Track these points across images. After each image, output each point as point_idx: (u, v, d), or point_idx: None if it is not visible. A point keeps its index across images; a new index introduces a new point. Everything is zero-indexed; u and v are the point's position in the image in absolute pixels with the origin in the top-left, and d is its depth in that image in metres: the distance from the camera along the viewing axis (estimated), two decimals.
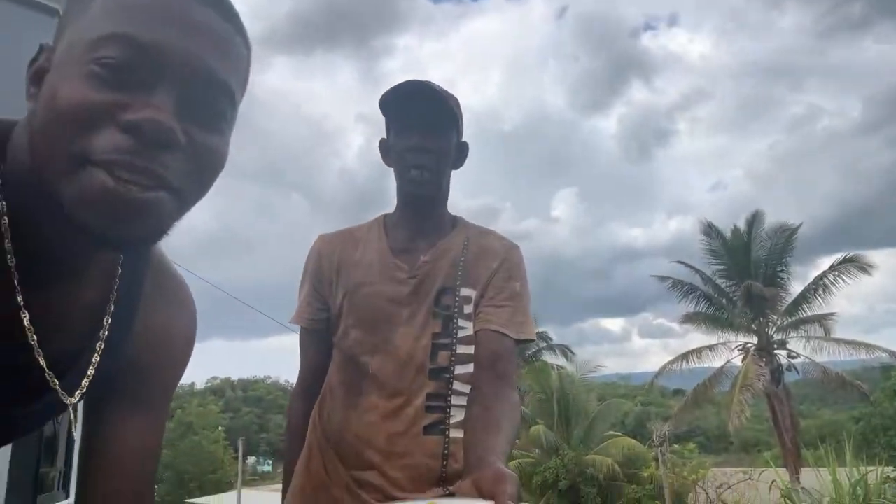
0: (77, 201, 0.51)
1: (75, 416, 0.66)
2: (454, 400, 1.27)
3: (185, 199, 0.56)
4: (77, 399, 0.66)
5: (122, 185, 0.50)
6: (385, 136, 1.39)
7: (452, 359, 1.28)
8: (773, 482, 8.86)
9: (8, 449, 2.91)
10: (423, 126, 1.29)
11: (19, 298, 0.57)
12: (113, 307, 0.66)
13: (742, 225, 19.51)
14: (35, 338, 0.59)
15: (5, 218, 0.56)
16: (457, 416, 1.26)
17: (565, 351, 22.10)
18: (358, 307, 1.32)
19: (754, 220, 19.31)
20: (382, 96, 1.32)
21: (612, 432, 19.13)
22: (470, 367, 1.27)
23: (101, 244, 0.55)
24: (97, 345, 0.65)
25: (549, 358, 21.23)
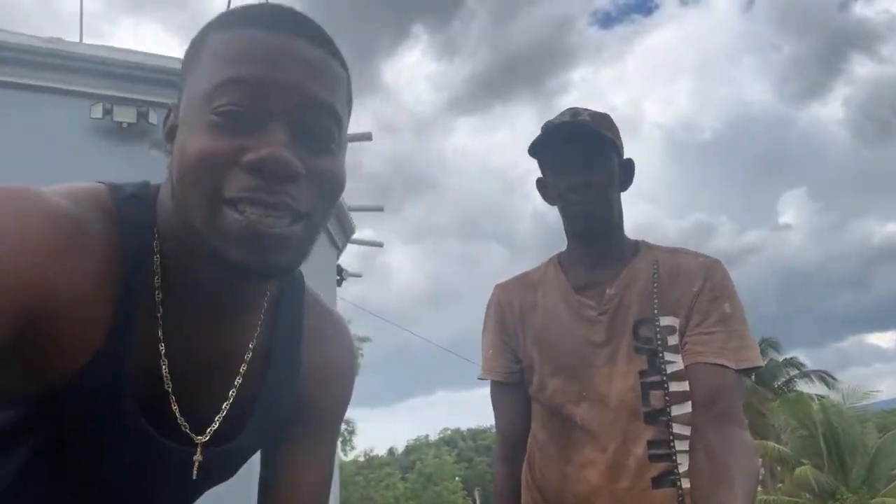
0: (219, 240, 0.56)
1: (203, 457, 0.65)
2: (678, 445, 1.12)
3: (315, 223, 0.61)
4: (207, 437, 0.66)
5: (257, 221, 0.56)
6: (541, 175, 1.34)
7: (667, 398, 1.14)
8: None
9: None
10: (579, 163, 1.21)
11: (161, 348, 0.62)
12: (253, 351, 0.68)
13: None
14: (171, 386, 0.63)
15: (158, 274, 0.62)
16: (684, 463, 1.11)
17: (824, 377, 19.20)
18: (551, 354, 1.23)
19: None
20: (534, 140, 1.27)
21: None
22: (688, 407, 1.11)
23: (245, 276, 0.59)
24: (235, 380, 0.67)
25: (804, 387, 18.60)
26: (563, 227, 1.33)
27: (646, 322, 1.19)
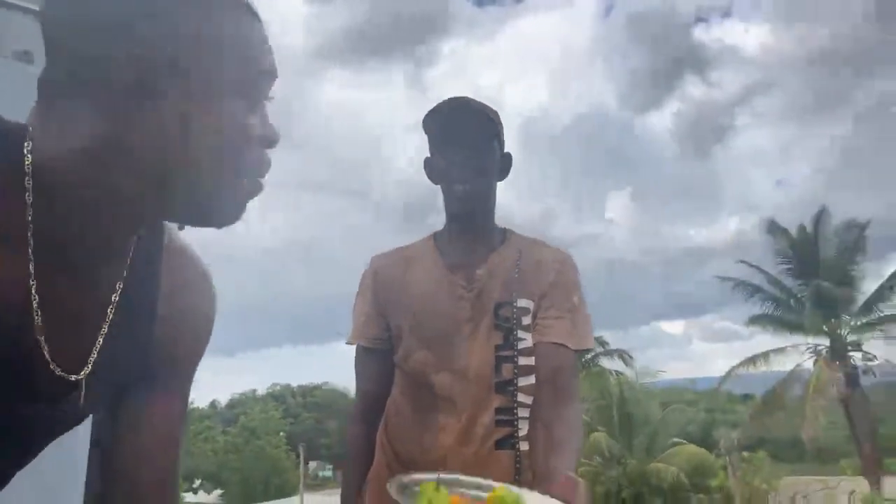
0: (227, 200, 0.62)
1: (85, 393, 0.64)
2: (520, 412, 1.29)
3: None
4: (82, 375, 0.64)
5: (252, 192, 0.63)
6: (429, 156, 1.42)
7: (515, 371, 1.30)
8: (852, 492, 8.43)
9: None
10: (465, 143, 1.32)
11: (34, 294, 0.59)
12: (121, 286, 0.66)
13: (808, 223, 18.75)
14: (43, 336, 0.61)
15: (31, 225, 0.58)
16: (524, 428, 1.28)
17: (623, 356, 21.66)
18: (420, 326, 1.33)
19: (820, 217, 18.56)
20: (424, 118, 1.36)
21: (676, 440, 18.60)
22: (531, 379, 1.28)
23: (198, 223, 0.65)
24: (102, 328, 0.65)
25: (606, 363, 20.84)
26: (432, 194, 1.40)
27: (505, 304, 1.31)
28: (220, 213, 0.63)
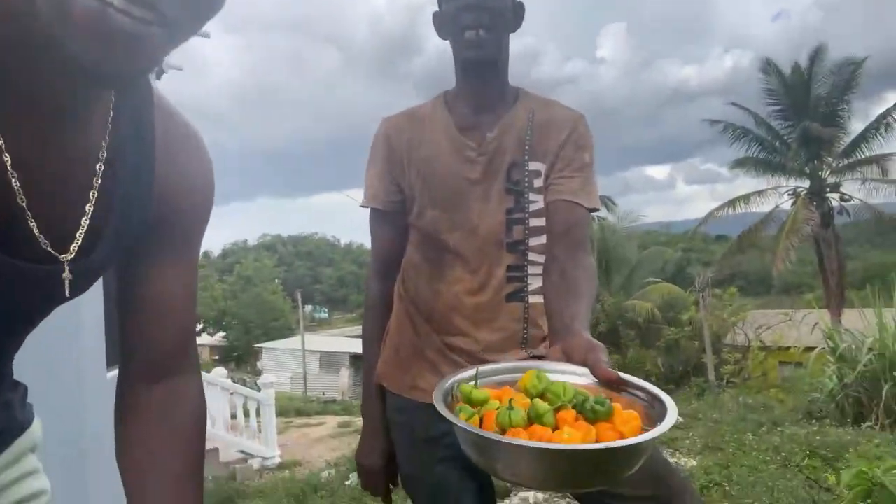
0: (62, 25, 0.47)
1: (71, 274, 0.62)
2: (530, 269, 1.34)
3: (177, 33, 0.53)
4: (72, 254, 0.61)
5: (114, 14, 0.47)
6: (437, 9, 1.36)
7: (526, 232, 1.33)
8: (815, 324, 9.03)
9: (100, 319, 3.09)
10: None
11: (6, 158, 0.54)
12: (108, 153, 0.63)
13: (804, 61, 18.17)
14: (24, 200, 0.56)
15: None
16: (533, 284, 1.34)
17: (606, 202, 22.02)
18: (432, 187, 1.34)
19: (817, 54, 17.94)
20: None
21: (652, 279, 19.53)
22: (542, 239, 1.32)
23: (89, 78, 0.52)
24: (90, 194, 0.62)
25: None
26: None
27: (517, 166, 1.32)
28: (69, 40, 0.48)
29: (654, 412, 0.76)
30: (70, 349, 2.75)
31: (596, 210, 1.36)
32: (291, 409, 14.92)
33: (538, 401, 0.77)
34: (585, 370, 0.85)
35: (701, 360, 14.65)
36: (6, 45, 0.52)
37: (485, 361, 1.27)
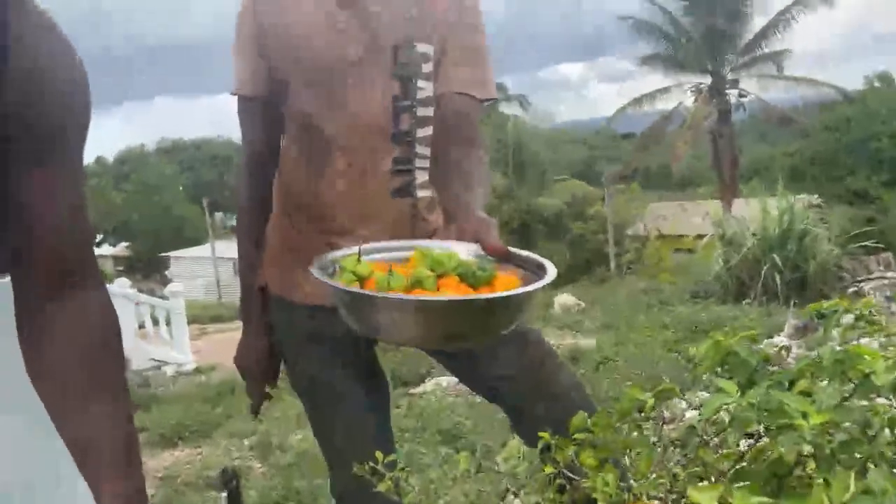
0: None
1: None
2: (418, 163, 1.27)
3: None
4: None
5: None
6: None
7: (413, 122, 1.24)
8: (706, 213, 9.72)
9: None
10: None
11: None
12: None
13: None
14: None
15: None
16: (419, 177, 1.28)
17: (521, 101, 22.02)
18: (306, 68, 1.22)
19: None
20: None
21: (562, 176, 20.11)
22: (429, 130, 1.25)
23: None
24: None
25: (505, 109, 21.21)
26: None
27: (403, 48, 1.20)
28: None
29: (537, 279, 0.77)
30: None
31: (492, 100, 1.31)
32: (206, 317, 14.70)
33: (420, 268, 0.77)
34: (475, 247, 0.85)
35: (604, 251, 15.52)
36: None
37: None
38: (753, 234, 6.84)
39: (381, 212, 1.28)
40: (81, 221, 0.75)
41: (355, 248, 0.85)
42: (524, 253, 0.85)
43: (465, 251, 0.83)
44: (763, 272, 6.39)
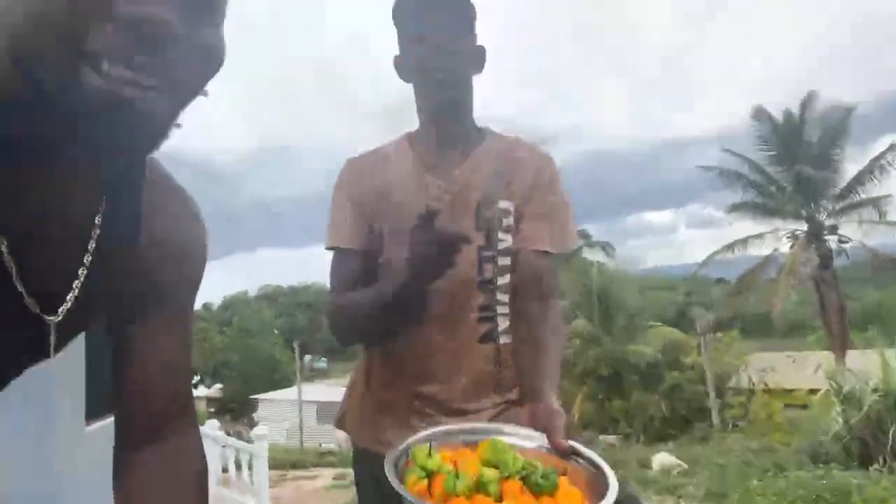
0: (71, 103, 0.48)
1: (56, 337, 0.64)
2: (499, 309, 1.32)
3: (184, 97, 0.54)
4: (60, 317, 0.62)
5: (120, 85, 0.48)
6: (399, 53, 1.37)
7: (495, 270, 1.31)
8: (819, 366, 8.93)
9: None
10: (440, 27, 1.26)
11: None
12: (101, 219, 0.63)
13: (796, 108, 18.52)
14: (13, 264, 0.57)
15: None
16: (501, 324, 1.32)
17: (605, 247, 22.10)
18: (400, 227, 1.30)
19: (808, 101, 18.29)
20: (393, 7, 1.31)
21: (653, 323, 19.39)
22: (508, 278, 1.31)
23: (103, 151, 0.54)
24: (84, 258, 0.63)
25: (589, 255, 21.31)
26: (415, 108, 1.35)
27: (486, 204, 1.31)
28: (75, 109, 0.48)
29: (599, 485, 0.81)
30: (44, 401, 2.68)
31: (569, 251, 1.37)
32: (287, 462, 14.56)
33: (486, 469, 0.83)
34: (542, 438, 0.91)
35: (704, 405, 14.40)
36: (6, 116, 0.52)
37: (456, 411, 1.28)
38: (874, 391, 6.15)
39: (470, 359, 1.30)
40: (185, 371, 0.78)
41: (427, 432, 0.91)
42: (588, 452, 0.89)
43: (532, 442, 0.92)
44: (891, 433, 5.66)
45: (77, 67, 0.47)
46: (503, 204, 1.32)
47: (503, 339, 1.32)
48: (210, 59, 0.55)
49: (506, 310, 1.32)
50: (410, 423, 1.28)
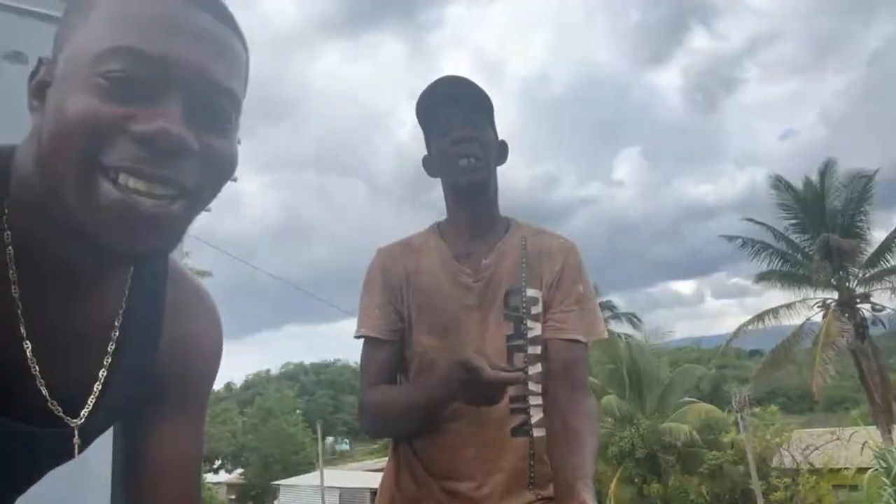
0: (90, 213, 0.52)
1: (81, 440, 0.64)
2: (532, 400, 1.31)
3: (198, 203, 0.57)
4: (82, 420, 0.63)
5: (135, 196, 0.51)
6: (426, 153, 1.43)
7: (525, 360, 1.31)
8: (865, 443, 8.47)
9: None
10: (464, 119, 1.33)
11: (22, 329, 0.57)
12: (122, 320, 0.65)
13: (815, 175, 18.55)
14: (37, 368, 0.58)
15: (10, 249, 0.56)
16: (535, 415, 1.30)
17: (631, 319, 21.75)
18: (429, 314, 1.33)
19: (826, 169, 18.33)
20: (418, 101, 1.37)
21: (687, 398, 18.76)
22: (539, 367, 1.31)
23: (116, 258, 0.57)
24: (104, 360, 0.64)
25: (615, 327, 20.93)
26: (443, 200, 1.40)
27: (514, 292, 1.32)
28: (95, 225, 0.52)
29: None
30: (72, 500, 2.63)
31: (600, 337, 1.37)
32: None
33: None
34: None
35: (748, 486, 13.65)
36: (34, 226, 0.56)
37: None
38: None
39: (502, 454, 1.27)
40: (196, 468, 0.76)
41: None
42: None
43: None
44: None
45: (95, 180, 0.51)
46: (531, 292, 1.33)
47: (537, 433, 1.29)
48: (223, 168, 0.58)
49: (539, 401, 1.30)
50: None
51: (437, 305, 1.33)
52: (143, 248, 0.54)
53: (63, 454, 0.65)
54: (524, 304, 1.32)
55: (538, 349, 1.31)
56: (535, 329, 1.32)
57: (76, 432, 0.63)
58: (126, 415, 0.71)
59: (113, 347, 0.64)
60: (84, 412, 0.63)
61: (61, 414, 0.61)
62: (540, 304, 1.33)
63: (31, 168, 0.55)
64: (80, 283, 0.60)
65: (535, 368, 1.31)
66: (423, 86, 1.36)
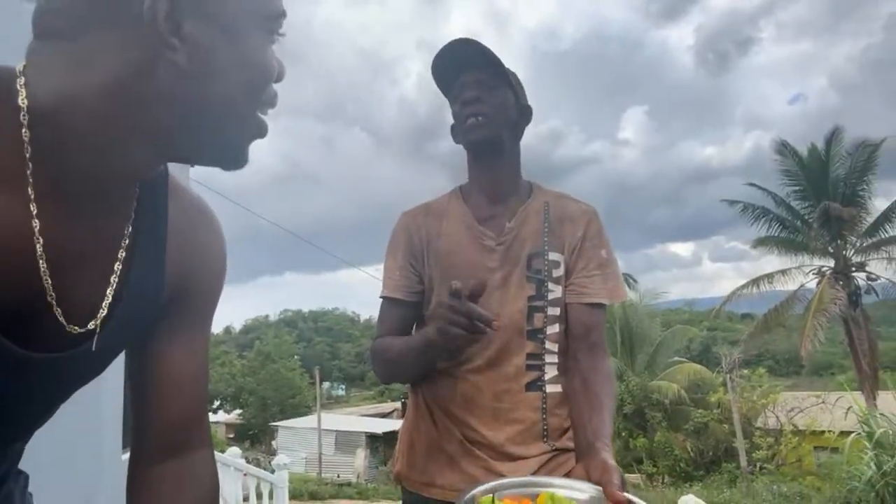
0: (238, 137, 0.64)
1: (95, 357, 0.66)
2: (547, 358, 1.35)
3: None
4: (92, 325, 0.64)
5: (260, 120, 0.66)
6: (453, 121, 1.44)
7: (545, 320, 1.35)
8: (849, 408, 8.69)
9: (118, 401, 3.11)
10: (474, 83, 1.35)
11: (39, 248, 0.57)
12: (128, 239, 0.66)
13: (821, 142, 18.37)
14: (49, 280, 0.59)
15: (30, 163, 0.56)
16: (549, 372, 1.35)
17: (628, 279, 21.90)
18: (451, 276, 1.33)
19: (833, 136, 18.09)
20: (432, 69, 1.39)
21: (677, 358, 19.08)
22: (557, 328, 1.36)
23: (234, 168, 0.67)
24: (112, 277, 0.65)
25: None
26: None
27: (537, 255, 1.36)
28: (237, 151, 0.65)
29: None
30: (88, 432, 2.74)
31: (622, 300, 1.41)
32: (305, 492, 14.46)
33: None
34: (598, 492, 0.94)
35: (732, 444, 14.05)
36: (89, 141, 0.57)
37: (506, 455, 1.30)
38: None
39: (516, 406, 1.33)
40: (201, 385, 0.78)
41: (492, 483, 0.95)
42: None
43: (588, 495, 0.94)
44: None
45: (253, 113, 0.66)
46: (553, 256, 1.37)
47: (550, 388, 1.35)
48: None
49: (554, 359, 1.35)
50: (460, 465, 1.32)
51: (460, 267, 1.36)
52: (242, 163, 0.68)
53: (77, 377, 0.67)
54: (546, 267, 1.36)
55: (557, 311, 1.35)
56: (556, 291, 1.36)
57: (94, 344, 0.64)
58: (136, 334, 0.72)
59: (120, 267, 0.65)
60: (92, 323, 0.64)
61: (69, 325, 0.62)
62: (562, 268, 1.37)
63: (87, 95, 0.56)
64: (92, 202, 0.61)
65: (553, 329, 1.35)
66: (430, 35, 1.44)
